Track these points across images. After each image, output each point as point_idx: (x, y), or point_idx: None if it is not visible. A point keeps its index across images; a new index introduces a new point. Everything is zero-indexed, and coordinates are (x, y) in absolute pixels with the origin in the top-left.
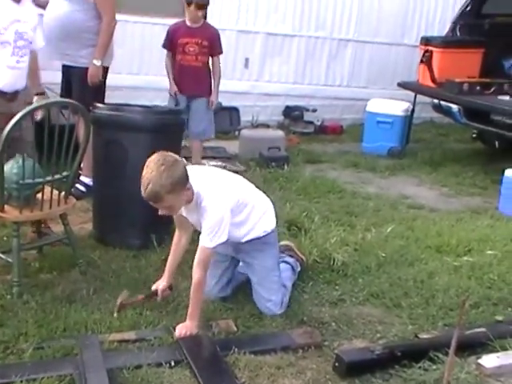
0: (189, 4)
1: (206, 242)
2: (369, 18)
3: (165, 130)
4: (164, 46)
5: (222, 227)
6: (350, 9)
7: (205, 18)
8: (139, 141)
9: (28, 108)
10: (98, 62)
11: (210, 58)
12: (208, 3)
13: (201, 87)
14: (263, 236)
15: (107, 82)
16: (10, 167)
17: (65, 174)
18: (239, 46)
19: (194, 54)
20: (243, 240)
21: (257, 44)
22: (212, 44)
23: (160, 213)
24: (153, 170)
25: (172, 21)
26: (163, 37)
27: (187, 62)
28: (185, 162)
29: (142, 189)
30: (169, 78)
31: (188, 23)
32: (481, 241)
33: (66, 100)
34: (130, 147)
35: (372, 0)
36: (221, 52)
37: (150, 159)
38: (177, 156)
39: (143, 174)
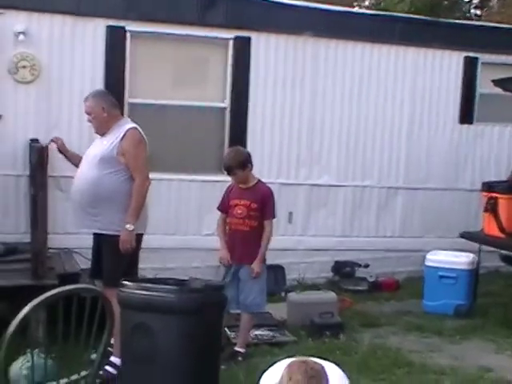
0: None
1: None
2: (418, 163)
3: (200, 312)
4: (218, 208)
5: None
6: (397, 154)
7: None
8: (170, 324)
9: (39, 298)
10: (130, 227)
11: None
12: (232, 167)
13: (248, 254)
14: None
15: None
16: (20, 367)
17: (83, 373)
18: (282, 199)
19: (241, 217)
20: None
21: (300, 197)
22: (263, 207)
23: None
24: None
25: (210, 178)
26: (200, 194)
27: (235, 225)
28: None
29: None
30: (220, 243)
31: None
32: None
33: (82, 286)
34: (160, 331)
35: (420, 144)
36: (273, 216)
37: (290, 367)
38: (319, 361)
39: None
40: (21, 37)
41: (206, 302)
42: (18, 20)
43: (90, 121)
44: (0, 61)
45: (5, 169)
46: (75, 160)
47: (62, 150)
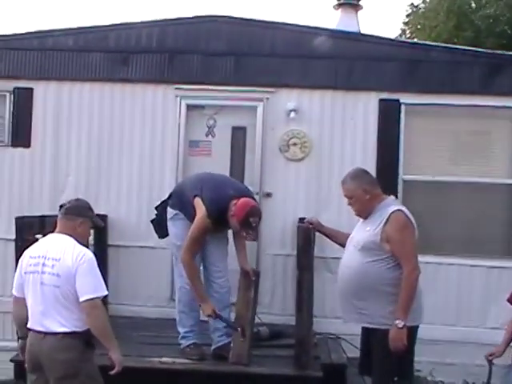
0: None
1: None
2: None
3: None
4: (508, 300)
5: None
6: None
7: None
8: None
9: None
10: (400, 323)
11: None
12: None
13: None
14: None
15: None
16: None
17: None
18: None
19: None
20: None
21: None
22: None
23: None
24: None
25: (496, 263)
26: (485, 281)
27: None
28: None
29: None
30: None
31: None
32: None
33: None
34: None
35: None
36: None
37: None
38: None
39: None
40: (292, 114)
41: None
42: (289, 98)
43: (350, 204)
44: (272, 138)
45: (274, 248)
46: (339, 239)
47: (319, 230)
